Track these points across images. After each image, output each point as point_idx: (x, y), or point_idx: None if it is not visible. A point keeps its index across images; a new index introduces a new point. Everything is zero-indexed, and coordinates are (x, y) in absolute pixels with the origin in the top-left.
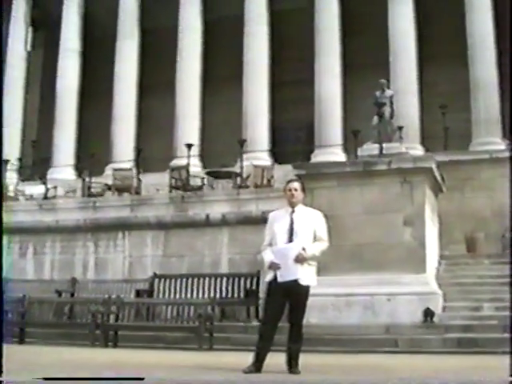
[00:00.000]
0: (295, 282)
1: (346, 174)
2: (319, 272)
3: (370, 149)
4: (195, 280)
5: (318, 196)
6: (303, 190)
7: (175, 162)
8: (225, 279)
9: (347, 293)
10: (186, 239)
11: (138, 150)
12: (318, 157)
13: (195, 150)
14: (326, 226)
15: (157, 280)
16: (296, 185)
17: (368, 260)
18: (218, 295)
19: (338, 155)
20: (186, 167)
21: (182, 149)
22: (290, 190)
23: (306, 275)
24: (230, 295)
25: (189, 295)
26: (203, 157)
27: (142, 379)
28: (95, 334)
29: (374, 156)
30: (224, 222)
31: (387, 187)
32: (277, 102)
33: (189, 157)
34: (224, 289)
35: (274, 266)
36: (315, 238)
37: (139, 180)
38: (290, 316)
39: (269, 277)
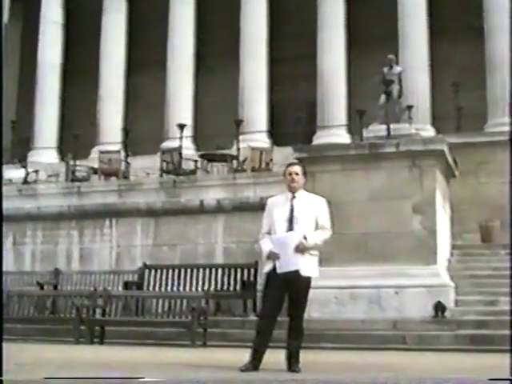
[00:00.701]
0: (295, 273)
1: (351, 157)
2: (321, 263)
3: (376, 130)
4: (188, 271)
5: (320, 181)
6: (304, 174)
7: (166, 144)
8: (220, 270)
9: (351, 285)
10: (178, 227)
11: (127, 132)
12: (321, 138)
13: (188, 131)
14: (329, 213)
15: (147, 271)
16: (297, 168)
17: (374, 250)
18: (212, 287)
19: (341, 137)
20: (178, 150)
21: (173, 130)
22: (291, 174)
23: (307, 266)
24: (225, 287)
25: (181, 287)
26: (197, 138)
27: (142, 378)
28: (80, 329)
29: (381, 138)
30: (219, 209)
31: (395, 171)
32: (276, 79)
33: (181, 138)
34: (219, 280)
35: (272, 256)
36: (317, 226)
37: (128, 163)
38: (290, 310)
39: (267, 267)
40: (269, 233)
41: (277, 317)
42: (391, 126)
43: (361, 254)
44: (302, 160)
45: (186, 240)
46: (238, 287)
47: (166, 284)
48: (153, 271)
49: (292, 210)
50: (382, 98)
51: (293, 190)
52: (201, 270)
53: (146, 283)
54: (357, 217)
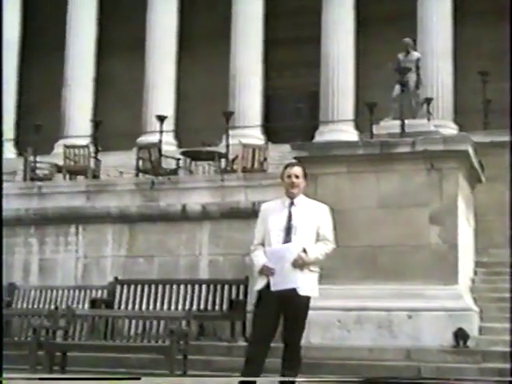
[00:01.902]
0: (293, 291)
1: (359, 158)
2: (323, 280)
3: (388, 126)
4: (167, 287)
5: (323, 185)
6: (305, 176)
7: (144, 139)
8: (204, 287)
9: (358, 307)
10: (157, 236)
11: (97, 123)
12: (324, 135)
13: (169, 125)
14: (332, 223)
15: (118, 287)
16: (297, 170)
17: (384, 266)
18: (195, 307)
19: (348, 133)
20: (158, 145)
21: (152, 122)
22: (290, 176)
23: (307, 283)
24: (210, 307)
25: (159, 306)
26: (179, 133)
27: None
28: (37, 355)
29: (394, 135)
30: (204, 216)
31: (410, 175)
32: (272, 65)
33: (161, 133)
34: (203, 299)
35: (266, 271)
36: (318, 238)
37: (98, 160)
38: (286, 335)
39: (259, 284)
40: (262, 244)
41: (270, 343)
42: (406, 121)
43: (369, 270)
44: (302, 160)
45: (166, 251)
46: (224, 307)
47: (141, 302)
48: (125, 287)
49: (290, 218)
50: (396, 88)
51: (291, 196)
52: (182, 286)
53: (117, 301)
54: (365, 227)
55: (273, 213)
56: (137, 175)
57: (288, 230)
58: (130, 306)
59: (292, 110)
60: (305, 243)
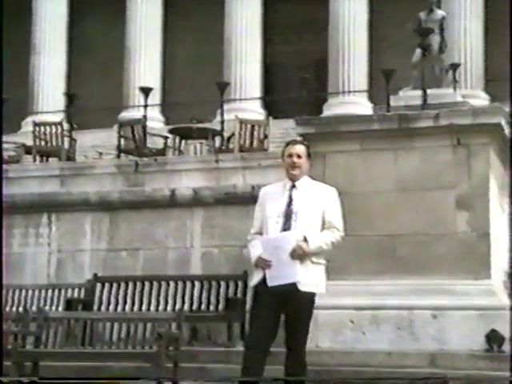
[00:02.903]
0: (292, 286)
1: (374, 134)
2: (332, 274)
3: (408, 97)
4: (154, 285)
5: (332, 165)
6: (309, 156)
7: (126, 115)
8: (197, 284)
9: (374, 305)
10: (142, 225)
11: (71, 97)
12: (333, 108)
13: (155, 98)
14: (341, 208)
15: (98, 285)
16: (299, 149)
17: (404, 258)
18: (186, 307)
19: (361, 106)
20: (142, 122)
21: (135, 95)
22: (291, 155)
23: (309, 278)
24: (204, 307)
25: (145, 307)
26: (166, 108)
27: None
28: (3, 365)
29: (415, 107)
30: (196, 202)
31: (433, 153)
32: (274, 27)
33: (145, 107)
34: (196, 297)
35: (261, 263)
36: (324, 225)
37: (73, 140)
38: (288, 338)
39: (255, 279)
40: (261, 233)
41: (269, 347)
42: (429, 91)
43: (386, 262)
44: (308, 137)
45: (152, 243)
46: (220, 306)
47: (125, 302)
48: (106, 285)
49: (290, 203)
50: (417, 53)
51: (293, 178)
52: (171, 283)
53: (96, 301)
54: (381, 213)
55: (272, 197)
56: (118, 156)
57: (287, 217)
58: (111, 307)
59: (296, 80)
60: (306, 231)
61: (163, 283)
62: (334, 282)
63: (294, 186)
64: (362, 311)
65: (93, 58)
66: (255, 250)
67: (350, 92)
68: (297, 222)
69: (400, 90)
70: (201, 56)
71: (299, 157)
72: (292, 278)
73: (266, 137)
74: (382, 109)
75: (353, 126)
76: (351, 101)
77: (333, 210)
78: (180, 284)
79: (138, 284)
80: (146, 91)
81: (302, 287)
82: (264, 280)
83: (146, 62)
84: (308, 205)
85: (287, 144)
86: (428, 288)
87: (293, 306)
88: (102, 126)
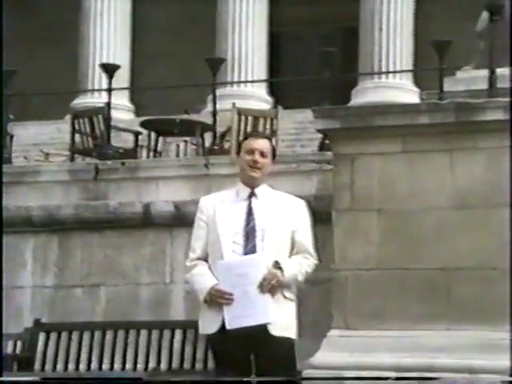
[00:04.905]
0: (261, 330)
1: (422, 130)
2: (364, 321)
3: (469, 79)
4: (120, 335)
5: (364, 172)
6: (274, 156)
7: (82, 102)
8: (178, 332)
9: (421, 364)
10: (104, 253)
11: (7, 74)
12: (366, 94)
13: (122, 80)
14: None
15: (42, 335)
16: (264, 144)
17: (463, 300)
18: (163, 365)
19: (404, 91)
20: (105, 112)
21: (95, 76)
22: (252, 151)
23: (281, 318)
24: (187, 364)
25: (106, 365)
26: (138, 93)
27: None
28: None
29: (479, 93)
30: (179, 220)
31: (503, 156)
32: None
33: (109, 91)
34: (176, 351)
35: (219, 298)
36: (293, 249)
37: (10, 136)
38: None
39: (211, 324)
40: (205, 258)
41: None
42: (498, 71)
43: (438, 306)
44: (331, 134)
45: (118, 276)
46: (210, 363)
47: (78, 359)
48: (53, 335)
49: (250, 217)
50: (483, 18)
51: (251, 182)
52: (143, 331)
53: (39, 357)
54: (432, 239)
55: (222, 209)
56: (72, 158)
57: (249, 235)
58: (59, 366)
59: (315, 57)
60: (277, 255)
61: (132, 332)
62: (366, 331)
63: (253, 194)
64: (406, 373)
65: (37, 23)
66: (205, 279)
67: (389, 73)
68: (264, 241)
69: (458, 69)
70: (184, 21)
71: (263, 155)
72: (262, 318)
73: (274, 133)
74: (432, 96)
75: (393, 120)
76: (391, 84)
77: (304, 230)
78: (155, 333)
79: (98, 333)
80: (109, 69)
81: (275, 331)
82: (222, 325)
83: (109, 28)
84: (275, 220)
85: (247, 136)
86: (496, 343)
87: (265, 359)
88: (49, 118)
